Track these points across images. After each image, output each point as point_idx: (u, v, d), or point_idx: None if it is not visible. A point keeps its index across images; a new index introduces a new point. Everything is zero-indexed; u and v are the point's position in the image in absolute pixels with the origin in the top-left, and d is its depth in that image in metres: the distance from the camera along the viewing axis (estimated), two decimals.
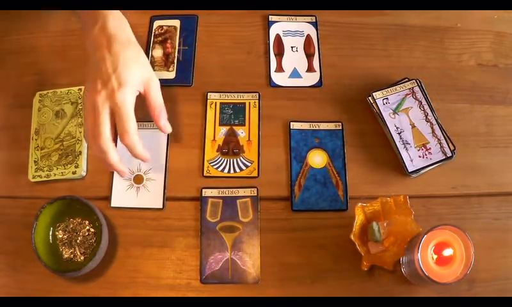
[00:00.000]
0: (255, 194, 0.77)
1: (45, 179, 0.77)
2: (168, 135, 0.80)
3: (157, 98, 0.73)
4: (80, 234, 0.74)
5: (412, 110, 0.80)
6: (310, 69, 0.85)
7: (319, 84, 0.84)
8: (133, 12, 0.87)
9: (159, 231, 0.76)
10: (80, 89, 0.82)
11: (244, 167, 0.79)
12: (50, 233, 0.74)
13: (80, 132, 0.80)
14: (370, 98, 0.81)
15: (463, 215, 0.76)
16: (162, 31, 0.88)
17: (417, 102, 0.80)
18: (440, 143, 0.78)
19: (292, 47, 0.87)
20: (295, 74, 0.85)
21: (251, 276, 0.73)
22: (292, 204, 0.76)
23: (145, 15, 0.89)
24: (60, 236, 0.74)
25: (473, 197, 0.77)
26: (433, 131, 0.79)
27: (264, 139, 0.80)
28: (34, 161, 0.79)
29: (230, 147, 0.80)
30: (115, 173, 0.78)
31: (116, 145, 0.70)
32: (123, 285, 0.73)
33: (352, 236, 0.70)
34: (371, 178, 0.78)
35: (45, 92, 0.82)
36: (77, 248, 0.74)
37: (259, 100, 0.83)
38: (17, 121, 0.82)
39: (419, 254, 0.64)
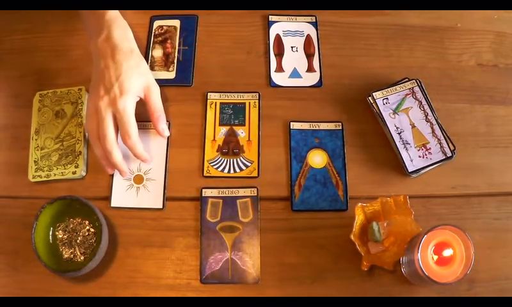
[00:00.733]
0: (255, 194, 0.77)
1: (45, 179, 0.77)
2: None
3: (156, 103, 0.78)
4: (80, 234, 0.74)
5: (412, 110, 0.80)
6: (310, 69, 0.85)
7: (319, 84, 0.84)
8: (133, 12, 0.87)
9: (159, 231, 0.76)
10: (80, 89, 0.82)
11: (244, 167, 0.79)
12: (50, 233, 0.74)
13: (80, 132, 0.80)
14: (370, 98, 0.81)
15: (463, 215, 0.76)
16: (162, 31, 0.88)
17: (417, 102, 0.80)
18: (440, 143, 0.78)
19: (292, 47, 0.87)
20: (295, 74, 0.85)
21: (251, 276, 0.73)
22: (292, 204, 0.76)
23: (145, 15, 0.89)
24: (60, 236, 0.74)
25: (473, 197, 0.77)
26: (433, 131, 0.79)
27: (263, 139, 0.80)
28: (34, 161, 0.79)
29: (230, 147, 0.80)
30: (115, 173, 0.78)
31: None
32: (123, 285, 0.73)
33: (352, 236, 0.70)
34: (371, 178, 0.78)
35: (45, 92, 0.82)
36: (77, 248, 0.74)
37: (259, 100, 0.83)
38: (17, 121, 0.82)
39: (419, 254, 0.64)
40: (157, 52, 0.86)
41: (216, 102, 0.82)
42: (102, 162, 0.76)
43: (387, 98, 0.81)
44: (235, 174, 0.78)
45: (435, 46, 0.87)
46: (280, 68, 0.85)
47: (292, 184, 0.77)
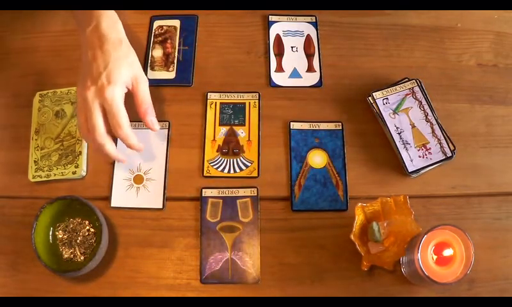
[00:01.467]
0: (255, 194, 0.77)
1: (45, 179, 0.77)
2: (168, 135, 0.80)
3: (144, 95, 0.75)
4: (80, 234, 0.74)
5: (412, 110, 0.80)
6: (310, 69, 0.85)
7: (319, 84, 0.84)
8: (133, 12, 0.87)
9: (159, 231, 0.75)
10: None
11: (244, 167, 0.79)
12: (50, 233, 0.74)
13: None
14: (370, 98, 0.81)
15: (463, 215, 0.76)
16: (162, 31, 0.88)
17: (417, 102, 0.80)
18: (440, 143, 0.78)
19: (292, 47, 0.87)
20: (295, 74, 0.85)
21: (251, 276, 0.73)
22: (292, 204, 0.76)
23: (145, 15, 0.89)
24: (60, 236, 0.74)
25: (473, 197, 0.77)
26: (433, 131, 0.79)
27: (264, 139, 0.80)
28: (34, 161, 0.79)
29: (230, 147, 0.80)
30: (115, 173, 0.78)
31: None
32: (123, 285, 0.73)
33: (352, 236, 0.70)
34: (371, 178, 0.78)
35: (45, 92, 0.82)
36: (77, 248, 0.74)
37: (259, 100, 0.83)
38: (17, 121, 0.82)
39: (419, 254, 0.64)
40: (157, 52, 0.86)
41: (215, 102, 0.82)
42: (98, 154, 0.74)
43: (387, 98, 0.81)
44: (235, 174, 0.78)
45: (435, 46, 0.87)
46: (280, 68, 0.85)
47: (292, 184, 0.77)
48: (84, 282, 0.73)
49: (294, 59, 0.86)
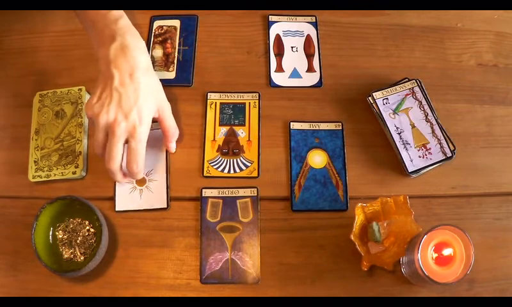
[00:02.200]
0: (255, 194, 0.77)
1: (45, 179, 0.77)
2: None
3: (170, 122, 0.77)
4: (80, 234, 0.74)
5: (412, 110, 0.80)
6: (310, 69, 0.85)
7: (319, 84, 0.84)
8: (133, 12, 0.87)
9: (159, 231, 0.76)
10: (80, 89, 0.82)
11: (244, 167, 0.79)
12: (50, 233, 0.74)
13: (80, 132, 0.80)
14: (370, 98, 0.81)
15: (463, 215, 0.76)
16: (162, 31, 0.88)
17: (417, 102, 0.80)
18: (440, 143, 0.78)
19: (292, 47, 0.87)
20: (295, 74, 0.85)
21: (251, 276, 0.73)
22: (292, 204, 0.76)
23: (145, 15, 0.89)
24: (60, 236, 0.74)
25: (473, 197, 0.77)
26: (433, 131, 0.79)
27: (264, 139, 0.80)
28: (34, 161, 0.79)
29: (230, 147, 0.80)
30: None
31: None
32: (123, 285, 0.73)
33: (352, 236, 0.70)
34: (371, 178, 0.78)
35: (45, 92, 0.82)
36: (77, 248, 0.74)
37: (259, 100, 0.83)
38: (17, 121, 0.82)
39: (419, 254, 0.64)
40: (157, 52, 0.86)
41: (215, 102, 0.82)
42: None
43: (387, 98, 0.81)
44: (235, 175, 0.78)
45: (435, 46, 0.87)
46: (280, 68, 0.85)
47: (292, 184, 0.77)
48: (84, 282, 0.73)
49: (294, 59, 0.86)
